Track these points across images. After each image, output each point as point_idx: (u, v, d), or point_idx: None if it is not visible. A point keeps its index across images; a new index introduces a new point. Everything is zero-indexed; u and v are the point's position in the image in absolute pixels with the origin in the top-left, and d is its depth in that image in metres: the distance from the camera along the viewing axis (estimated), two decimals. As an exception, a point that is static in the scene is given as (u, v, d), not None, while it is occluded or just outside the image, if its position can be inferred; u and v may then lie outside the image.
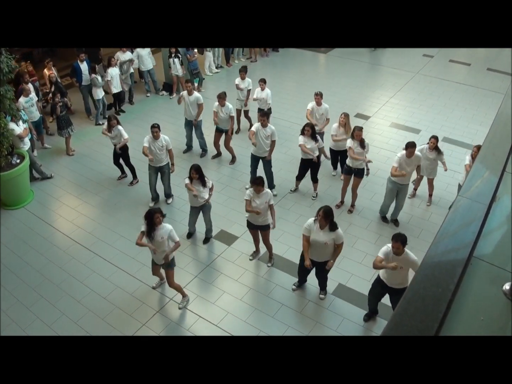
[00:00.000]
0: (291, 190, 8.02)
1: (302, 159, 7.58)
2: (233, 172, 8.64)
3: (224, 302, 5.90)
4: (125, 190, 8.14)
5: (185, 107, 8.69)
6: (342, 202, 7.66)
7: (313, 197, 7.83)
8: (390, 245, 4.94)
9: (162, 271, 5.87)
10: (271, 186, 7.88)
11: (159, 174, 7.49)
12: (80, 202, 7.81)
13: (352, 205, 7.55)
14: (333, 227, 5.25)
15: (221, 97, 8.18)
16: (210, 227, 6.87)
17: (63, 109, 8.82)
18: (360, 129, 7.01)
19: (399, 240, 4.77)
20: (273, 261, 6.49)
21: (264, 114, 7.39)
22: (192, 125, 8.83)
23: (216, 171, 8.62)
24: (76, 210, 7.61)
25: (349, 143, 7.05)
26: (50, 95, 9.60)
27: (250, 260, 6.57)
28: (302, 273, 5.91)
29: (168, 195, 7.76)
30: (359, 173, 7.19)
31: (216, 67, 13.04)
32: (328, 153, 8.17)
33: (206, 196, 6.44)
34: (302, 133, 7.26)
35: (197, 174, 6.24)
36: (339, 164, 8.41)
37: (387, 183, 7.04)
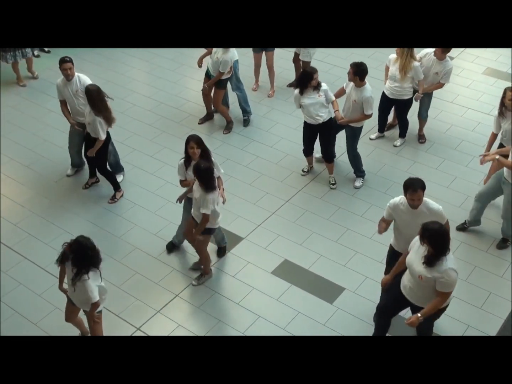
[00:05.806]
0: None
1: (304, 122, 7.59)
2: (238, 139, 8.64)
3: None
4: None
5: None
6: None
7: (332, 184, 7.79)
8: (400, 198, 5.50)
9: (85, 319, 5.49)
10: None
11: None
12: (1, 178, 7.84)
13: None
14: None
15: None
16: (221, 234, 6.74)
17: None
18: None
19: (419, 187, 5.19)
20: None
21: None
22: None
23: (209, 135, 8.59)
24: (-5, 190, 7.65)
25: None
26: None
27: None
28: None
29: (115, 166, 7.58)
30: None
31: None
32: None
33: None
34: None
35: (199, 148, 5.92)
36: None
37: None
